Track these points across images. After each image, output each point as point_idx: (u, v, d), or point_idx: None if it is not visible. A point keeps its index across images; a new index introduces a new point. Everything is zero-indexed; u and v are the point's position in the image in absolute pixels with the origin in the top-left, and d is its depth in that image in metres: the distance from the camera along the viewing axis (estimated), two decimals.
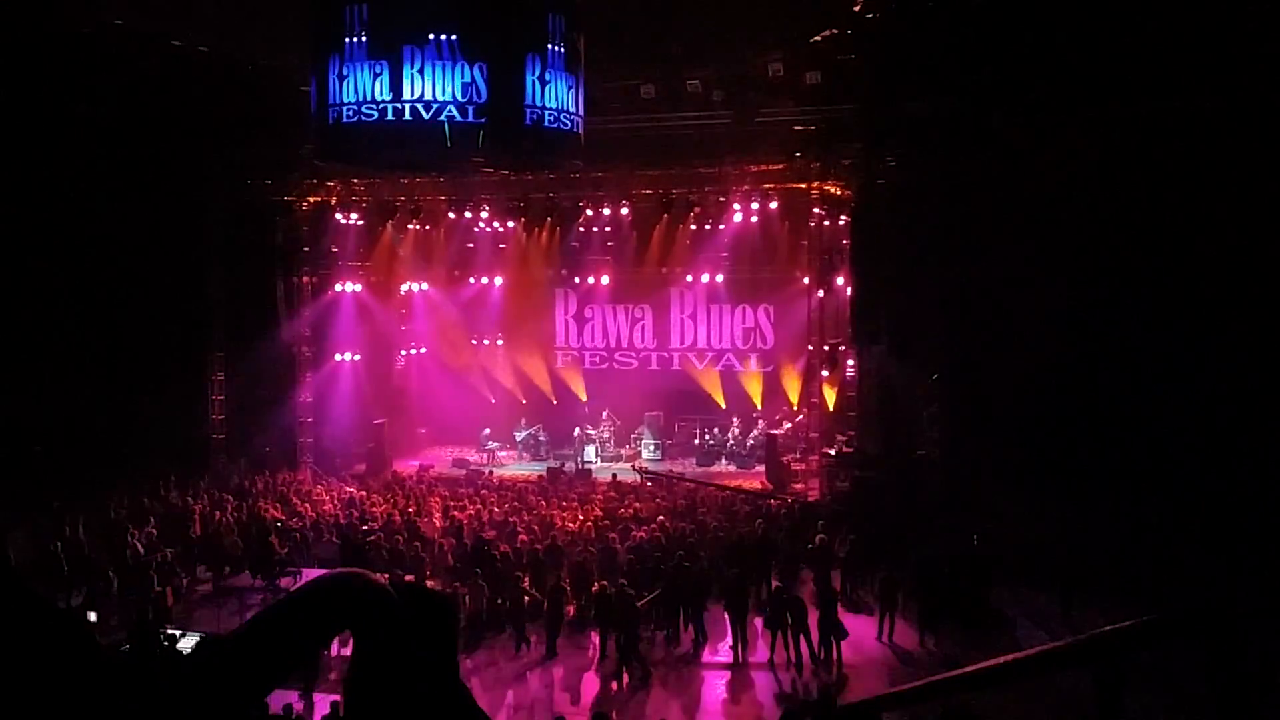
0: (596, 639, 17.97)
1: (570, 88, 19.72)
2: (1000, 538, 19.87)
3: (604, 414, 32.68)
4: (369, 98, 19.02)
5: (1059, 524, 19.92)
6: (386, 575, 19.04)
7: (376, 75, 18.91)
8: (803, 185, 26.50)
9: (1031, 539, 19.82)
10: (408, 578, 19.05)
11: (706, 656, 17.92)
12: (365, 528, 22.05)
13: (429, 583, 19.46)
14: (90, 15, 22.01)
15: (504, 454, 32.57)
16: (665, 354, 33.63)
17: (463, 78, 18.68)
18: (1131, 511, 20.04)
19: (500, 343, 34.56)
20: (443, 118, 18.79)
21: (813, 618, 17.27)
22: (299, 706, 14.39)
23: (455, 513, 23.31)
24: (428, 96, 18.72)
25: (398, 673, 2.30)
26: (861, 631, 18.16)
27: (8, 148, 22.80)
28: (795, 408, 31.26)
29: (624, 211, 28.46)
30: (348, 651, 2.38)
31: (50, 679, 2.14)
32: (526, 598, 18.42)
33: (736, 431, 31.70)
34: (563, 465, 29.77)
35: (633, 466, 28.07)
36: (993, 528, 20.29)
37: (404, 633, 2.31)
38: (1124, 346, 22.43)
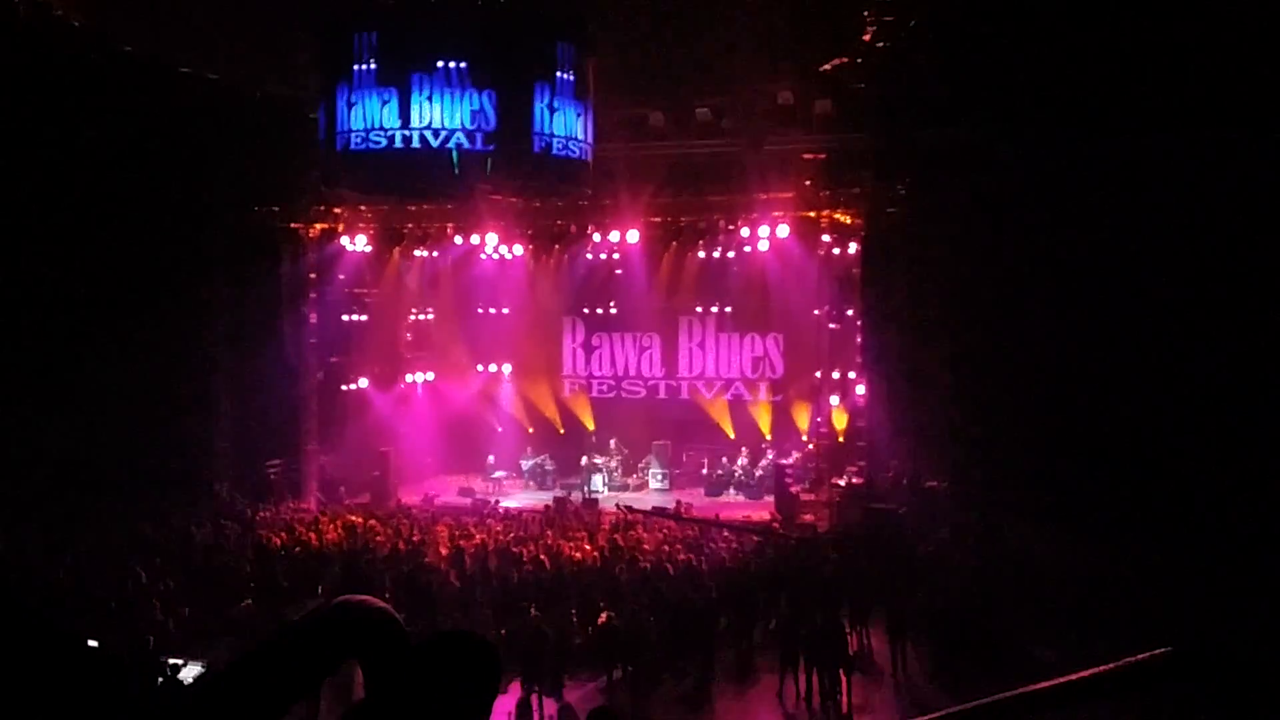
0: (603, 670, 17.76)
1: (579, 115, 19.78)
2: (1012, 568, 19.66)
3: (611, 443, 32.52)
4: (377, 125, 19.12)
5: (1072, 555, 19.70)
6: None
7: (385, 102, 19.01)
8: (812, 213, 26.45)
9: (1044, 570, 19.61)
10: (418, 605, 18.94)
11: (714, 687, 17.71)
12: (370, 557, 21.91)
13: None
14: (100, 42, 22.12)
15: (510, 483, 32.41)
16: (673, 383, 33.49)
17: (472, 105, 18.77)
18: (1146, 542, 19.81)
19: (507, 371, 34.48)
20: (451, 145, 18.87)
21: (824, 651, 17.05)
22: None
23: (461, 542, 23.16)
24: (436, 124, 18.80)
25: (410, 706, 2.23)
26: (871, 664, 17.95)
27: (16, 172, 22.87)
28: (805, 437, 31.09)
29: (632, 239, 28.45)
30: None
31: (54, 705, 2.08)
32: (532, 628, 18.20)
33: (745, 461, 31.52)
34: (569, 494, 29.60)
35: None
36: (1004, 558, 20.09)
37: (415, 666, 2.24)
38: (1138, 374, 22.27)
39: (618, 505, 27.45)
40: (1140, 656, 2.92)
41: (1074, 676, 3.02)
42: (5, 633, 2.10)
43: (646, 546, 22.78)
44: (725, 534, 24.83)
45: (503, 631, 18.44)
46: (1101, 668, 2.99)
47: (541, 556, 21.69)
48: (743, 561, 21.73)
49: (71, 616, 18.64)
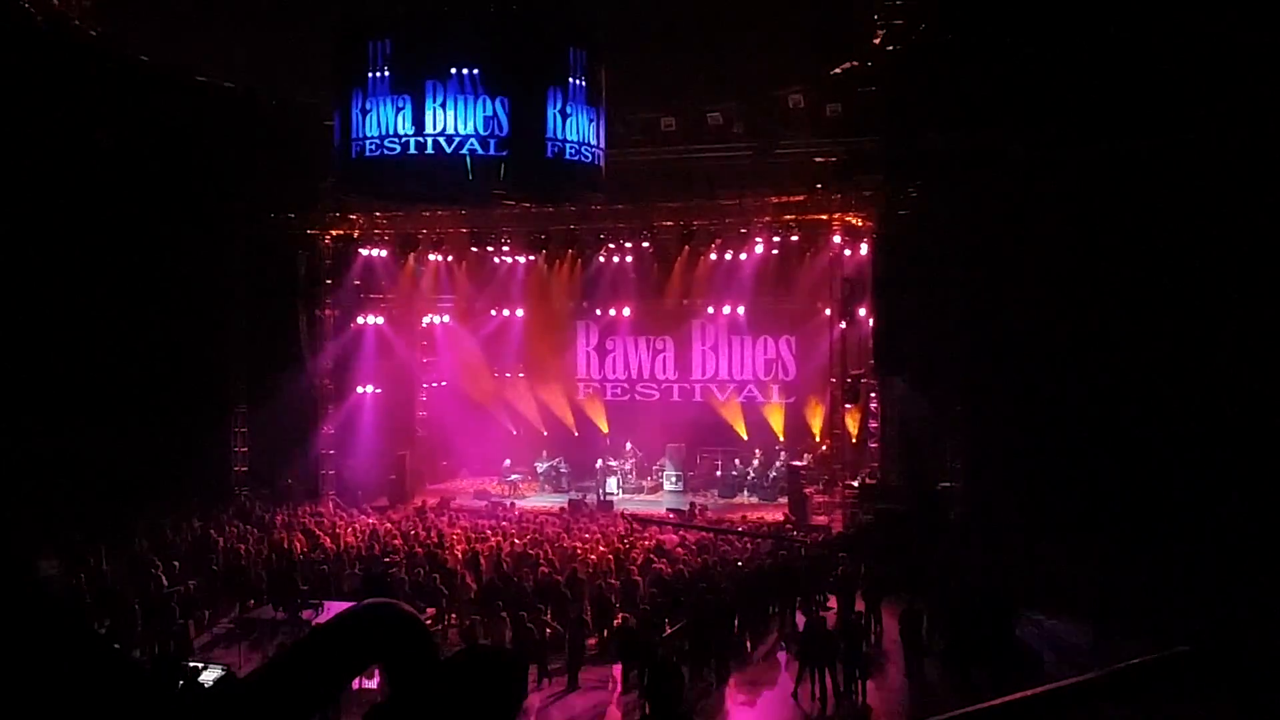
0: (618, 672, 17.84)
1: (591, 121, 19.83)
2: (1025, 569, 19.69)
3: (626, 446, 32.63)
4: (392, 131, 19.19)
5: (1085, 555, 19.73)
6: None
7: (399, 109, 19.08)
8: (824, 217, 26.54)
9: (1057, 571, 19.63)
10: (428, 609, 19.06)
11: (730, 689, 17.78)
12: (387, 560, 22.03)
13: (451, 616, 19.45)
14: (117, 51, 22.29)
15: (525, 486, 32.53)
16: (687, 385, 33.59)
17: (485, 111, 18.83)
18: (1159, 543, 19.83)
19: (522, 375, 34.60)
20: (465, 151, 18.93)
21: (838, 652, 17.09)
22: None
23: (476, 544, 23.27)
24: (450, 130, 18.86)
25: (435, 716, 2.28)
26: (885, 665, 18.00)
27: (34, 182, 23.05)
28: (818, 439, 31.13)
29: (645, 244, 28.53)
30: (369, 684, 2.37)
31: (78, 707, 2.14)
32: (548, 630, 18.31)
33: (758, 463, 31.57)
34: (584, 497, 29.69)
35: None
36: (1017, 559, 20.11)
37: (444, 679, 2.30)
38: (1150, 376, 22.26)
39: (622, 514, 27.33)
40: (1156, 656, 3.03)
41: (1090, 676, 3.13)
42: (33, 636, 2.16)
43: (663, 547, 22.87)
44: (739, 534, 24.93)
45: (513, 633, 18.56)
46: (1117, 667, 3.10)
47: (555, 560, 21.81)
48: (756, 563, 21.79)
49: (93, 620, 18.81)
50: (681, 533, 24.95)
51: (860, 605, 19.40)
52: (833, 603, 19.52)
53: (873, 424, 26.82)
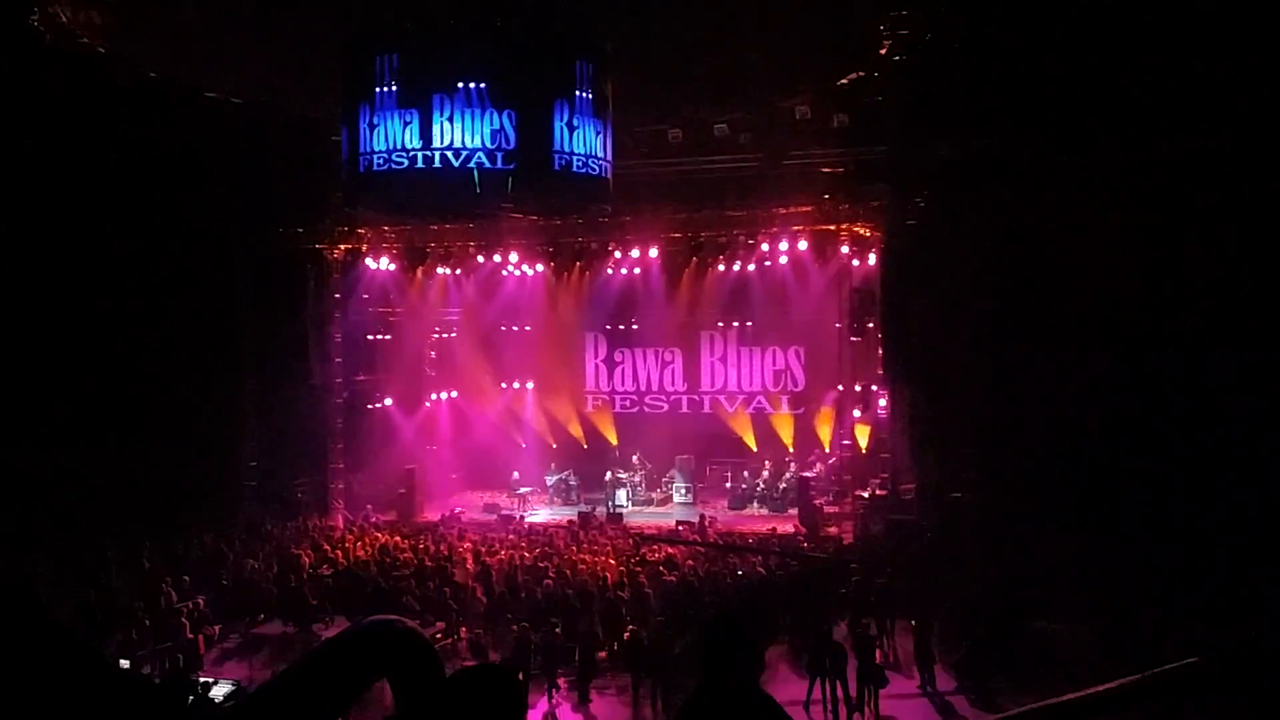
0: (629, 684, 17.78)
1: (598, 133, 19.81)
2: (1040, 579, 19.60)
3: (635, 458, 32.56)
4: (399, 146, 19.18)
5: (1096, 565, 19.62)
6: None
7: (406, 123, 19.08)
8: (832, 227, 26.51)
9: (1068, 581, 19.53)
10: (438, 624, 19.03)
11: None
12: (396, 574, 22.01)
13: (462, 630, 19.42)
14: (124, 68, 22.36)
15: (535, 498, 32.48)
16: (696, 397, 33.56)
17: (492, 125, 18.82)
18: (1171, 552, 19.71)
19: (530, 387, 34.60)
20: (472, 164, 18.91)
21: (850, 663, 17.03)
22: None
23: (486, 558, 23.24)
24: (457, 144, 18.86)
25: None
26: (899, 677, 17.92)
27: (42, 198, 23.13)
28: (827, 450, 31.05)
29: (653, 255, 28.53)
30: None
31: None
32: (557, 643, 18.26)
33: (768, 474, 31.49)
34: (594, 510, 29.61)
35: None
36: (1031, 569, 20.02)
37: (446, 696, 2.29)
38: (1163, 383, 22.17)
39: (630, 534, 26.95)
40: (1168, 667, 3.00)
41: (1102, 688, 3.09)
42: (39, 654, 2.15)
43: (671, 561, 22.81)
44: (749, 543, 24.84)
45: (523, 646, 18.51)
46: (1129, 679, 3.06)
47: (567, 571, 21.77)
48: (767, 574, 21.72)
49: (103, 636, 18.82)
50: (691, 545, 24.87)
51: (873, 617, 19.35)
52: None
53: (882, 434, 26.74)
